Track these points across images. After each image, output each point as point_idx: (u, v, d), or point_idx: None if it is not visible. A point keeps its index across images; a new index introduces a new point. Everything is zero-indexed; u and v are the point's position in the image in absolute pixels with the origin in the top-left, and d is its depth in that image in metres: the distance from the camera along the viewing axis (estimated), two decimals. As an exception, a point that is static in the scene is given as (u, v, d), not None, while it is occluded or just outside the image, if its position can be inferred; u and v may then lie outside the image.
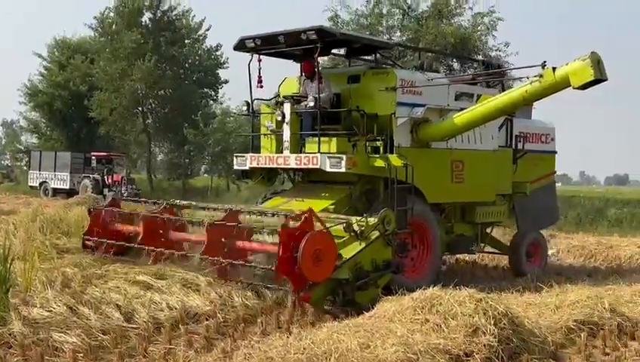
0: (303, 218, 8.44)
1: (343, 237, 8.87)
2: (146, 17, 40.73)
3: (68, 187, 35.13)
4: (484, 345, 6.25)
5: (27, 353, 6.32)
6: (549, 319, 7.62)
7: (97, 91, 40.39)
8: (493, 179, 11.93)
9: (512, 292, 9.43)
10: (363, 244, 8.88)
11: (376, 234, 9.03)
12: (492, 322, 6.43)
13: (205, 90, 43.99)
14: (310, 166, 10.37)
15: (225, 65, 43.54)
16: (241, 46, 11.02)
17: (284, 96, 11.22)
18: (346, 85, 11.10)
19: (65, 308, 7.49)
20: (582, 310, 7.81)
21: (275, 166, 11.05)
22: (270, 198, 11.43)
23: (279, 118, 10.84)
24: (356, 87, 10.96)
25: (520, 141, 12.50)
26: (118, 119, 40.65)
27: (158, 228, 10.06)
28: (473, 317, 6.47)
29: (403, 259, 10.17)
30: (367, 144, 10.52)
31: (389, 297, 7.67)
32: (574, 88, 9.42)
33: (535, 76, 9.69)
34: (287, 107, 10.73)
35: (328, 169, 10.15)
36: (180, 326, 7.33)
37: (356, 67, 11.88)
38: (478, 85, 12.17)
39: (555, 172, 13.73)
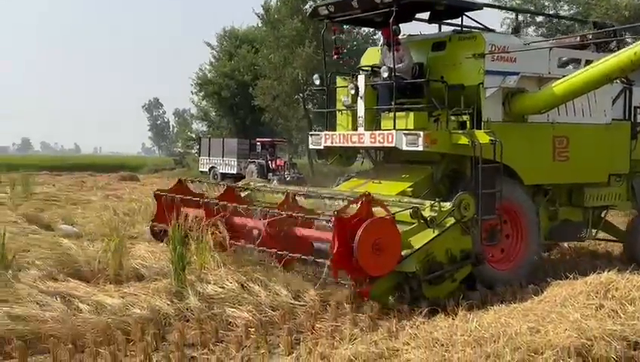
0: (359, 203, 7.64)
1: (413, 224, 7.98)
2: (308, 5, 41.49)
3: (235, 172, 36.62)
4: (666, 332, 5.87)
5: (203, 327, 6.69)
6: None
7: (262, 78, 41.75)
8: (606, 157, 10.50)
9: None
10: (436, 233, 7.90)
11: (451, 221, 8.03)
12: (675, 308, 6.03)
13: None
14: (385, 144, 9.46)
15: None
16: (314, 14, 10.46)
17: (359, 68, 10.48)
18: (429, 53, 10.08)
19: (237, 285, 7.86)
20: None
21: (349, 144, 10.24)
22: (347, 180, 10.70)
23: (352, 92, 10.08)
24: (441, 54, 9.94)
25: None
26: (280, 106, 41.77)
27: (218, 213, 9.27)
28: (653, 303, 6.09)
29: (491, 248, 9.17)
30: (453, 119, 9.49)
31: (560, 281, 7.41)
32: None
33: None
34: (361, 79, 9.95)
35: (404, 147, 9.18)
36: (346, 304, 7.45)
37: (441, 33, 10.73)
38: (588, 50, 10.68)
39: None
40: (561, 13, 28.35)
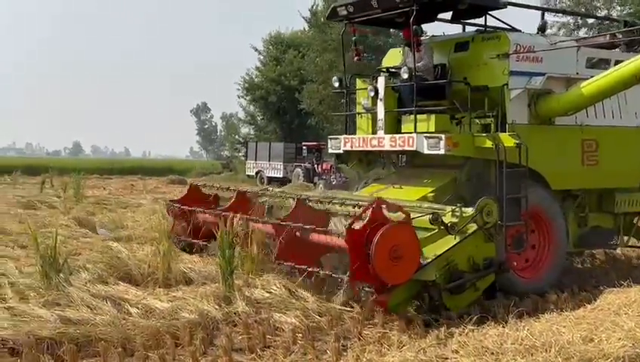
0: (369, 210, 7.29)
1: (433, 230, 7.70)
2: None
3: (281, 175, 36.81)
4: None
5: (251, 331, 6.71)
6: None
7: (308, 82, 41.87)
8: (637, 161, 10.13)
9: None
10: (457, 239, 7.61)
11: (473, 227, 7.72)
12: None
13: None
14: (406, 148, 9.21)
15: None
16: (333, 14, 10.22)
17: (378, 69, 10.26)
18: (452, 54, 9.84)
19: (284, 289, 7.86)
20: None
21: (369, 148, 9.98)
22: (370, 184, 10.49)
23: (372, 94, 9.87)
24: (464, 55, 9.68)
25: None
26: (326, 110, 41.80)
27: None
28: None
29: (518, 255, 8.85)
30: (476, 121, 9.20)
31: (613, 289, 7.25)
32: None
33: None
34: (380, 81, 9.73)
35: (425, 151, 8.93)
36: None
37: (464, 33, 10.45)
38: (618, 50, 10.31)
39: None
40: (614, 14, 27.82)
